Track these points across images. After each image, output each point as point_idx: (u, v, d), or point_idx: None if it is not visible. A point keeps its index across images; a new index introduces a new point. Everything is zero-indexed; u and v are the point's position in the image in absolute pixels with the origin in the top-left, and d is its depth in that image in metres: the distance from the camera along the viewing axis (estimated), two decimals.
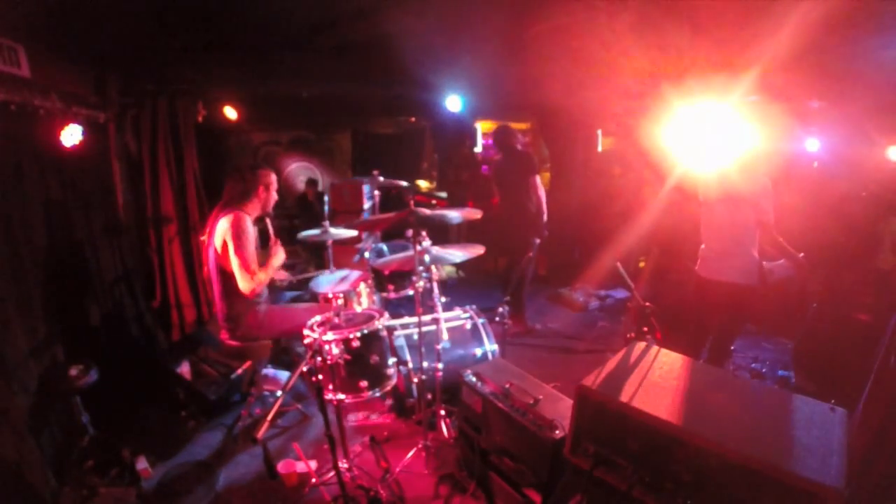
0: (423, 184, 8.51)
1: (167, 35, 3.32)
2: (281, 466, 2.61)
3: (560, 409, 2.12)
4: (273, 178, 3.01)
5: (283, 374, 3.61)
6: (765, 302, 4.06)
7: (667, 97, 3.60)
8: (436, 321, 3.06)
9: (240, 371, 3.45)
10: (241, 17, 3.20)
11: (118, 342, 3.43)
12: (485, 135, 8.26)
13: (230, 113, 4.82)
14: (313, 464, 2.68)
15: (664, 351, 2.08)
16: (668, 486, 1.60)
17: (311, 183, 7.84)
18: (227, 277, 2.82)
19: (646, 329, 2.46)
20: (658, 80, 3.62)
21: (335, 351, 2.36)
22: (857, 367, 2.73)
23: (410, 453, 2.71)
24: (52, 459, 2.46)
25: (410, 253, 2.70)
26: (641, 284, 4.28)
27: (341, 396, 2.42)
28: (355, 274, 3.48)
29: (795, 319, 3.85)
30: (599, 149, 7.09)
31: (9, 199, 2.60)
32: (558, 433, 1.99)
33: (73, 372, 2.60)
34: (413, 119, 8.18)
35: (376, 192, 4.98)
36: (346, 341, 2.41)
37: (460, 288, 5.93)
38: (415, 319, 2.87)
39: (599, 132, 7.00)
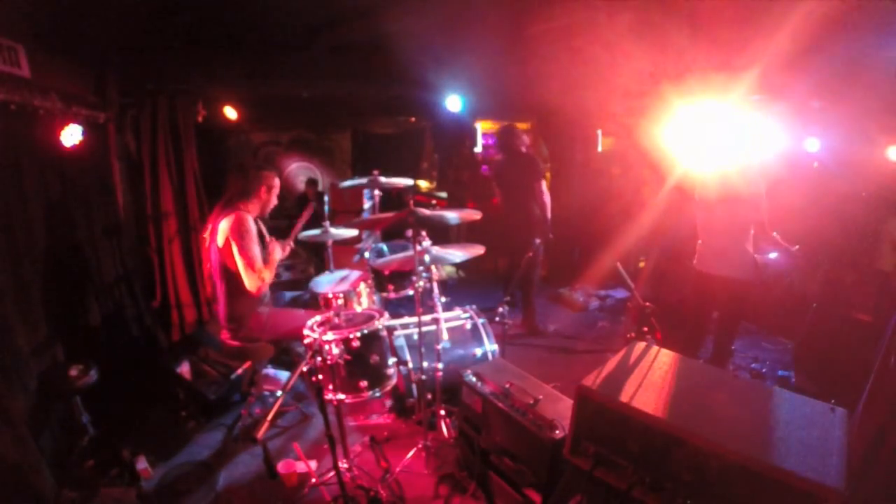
0: (423, 184, 8.51)
1: (167, 35, 3.32)
2: (281, 466, 2.61)
3: (560, 409, 2.12)
4: (276, 181, 3.01)
5: (283, 374, 3.61)
6: (763, 299, 4.08)
7: (667, 97, 3.60)
8: (436, 321, 3.06)
9: (240, 371, 3.44)
10: (242, 17, 3.20)
11: (118, 342, 3.43)
12: (485, 135, 8.25)
13: (230, 113, 4.82)
14: (313, 464, 2.68)
15: (664, 351, 2.08)
16: (668, 486, 1.60)
17: (311, 183, 7.84)
18: (231, 277, 2.81)
19: (646, 329, 2.46)
20: (658, 80, 3.62)
21: (335, 351, 2.36)
22: (857, 367, 2.73)
23: (410, 453, 2.71)
24: (52, 459, 2.46)
25: (410, 253, 2.70)
26: (641, 284, 4.29)
27: (341, 396, 2.42)
28: (355, 274, 3.48)
29: (795, 319, 3.85)
30: (599, 149, 7.09)
31: (9, 199, 2.60)
32: (558, 433, 1.99)
33: (73, 372, 2.60)
34: (413, 119, 8.17)
35: (376, 192, 4.98)
36: (346, 341, 2.41)
37: (460, 288, 5.92)
38: (415, 319, 2.87)
39: (599, 132, 7.00)
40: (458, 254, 2.87)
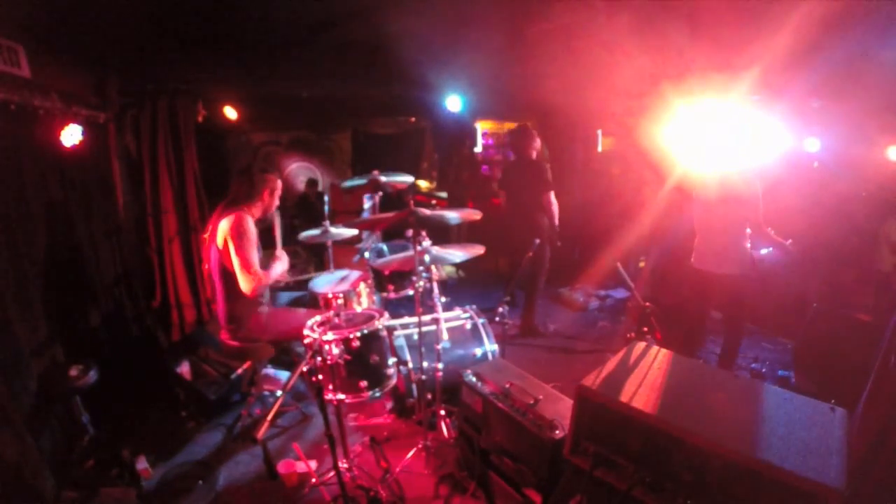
0: (423, 184, 8.51)
1: (167, 35, 3.32)
2: (281, 466, 2.61)
3: (560, 409, 2.12)
4: (279, 184, 3.02)
5: (283, 374, 3.61)
6: (763, 298, 4.09)
7: (667, 97, 3.60)
8: (436, 321, 3.06)
9: (240, 371, 3.45)
10: (241, 16, 3.19)
11: (118, 342, 3.43)
12: (485, 135, 8.25)
13: (230, 113, 4.82)
14: (313, 464, 2.68)
15: (664, 351, 2.08)
16: (669, 486, 1.60)
17: (311, 183, 7.84)
18: (229, 277, 2.81)
19: (646, 329, 2.46)
20: (658, 80, 3.62)
21: (335, 351, 2.36)
22: (857, 367, 2.73)
23: (410, 453, 2.71)
24: (52, 459, 2.46)
25: (410, 253, 2.70)
26: (641, 284, 4.29)
27: (341, 396, 2.42)
28: (355, 274, 3.48)
29: (795, 319, 3.85)
30: (599, 149, 7.09)
31: (9, 199, 2.60)
32: (558, 433, 1.99)
33: (73, 372, 2.60)
34: (413, 119, 8.17)
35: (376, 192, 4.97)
36: (346, 341, 2.41)
37: (460, 288, 5.92)
38: (415, 319, 2.87)
39: (599, 132, 7.00)
40: (458, 254, 2.87)
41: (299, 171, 8.40)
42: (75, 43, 2.99)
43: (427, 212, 2.64)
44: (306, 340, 2.41)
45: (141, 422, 3.15)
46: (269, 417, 3.01)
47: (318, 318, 2.56)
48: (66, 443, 2.66)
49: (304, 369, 2.17)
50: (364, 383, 2.46)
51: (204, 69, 4.01)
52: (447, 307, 3.40)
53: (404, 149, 8.45)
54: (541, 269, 4.45)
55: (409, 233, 2.64)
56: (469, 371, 2.52)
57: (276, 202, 3.05)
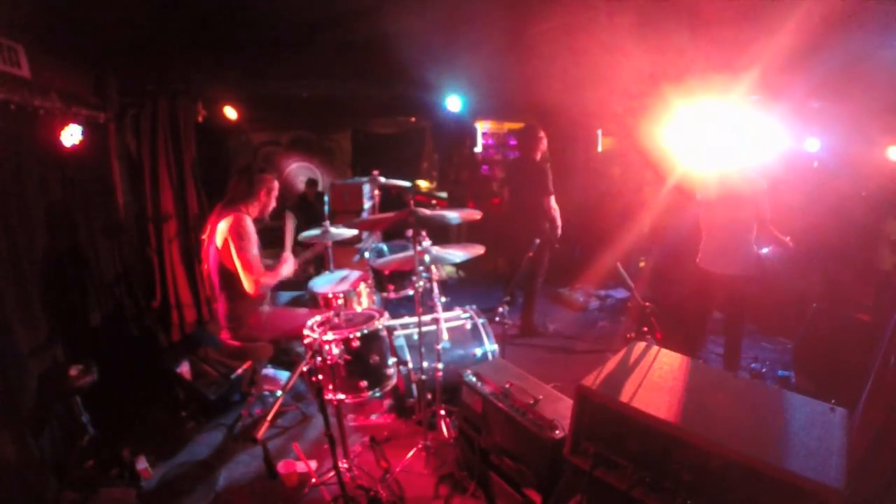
0: (423, 184, 8.51)
1: (167, 35, 3.32)
2: (281, 466, 2.61)
3: (560, 409, 2.12)
4: (276, 184, 3.03)
5: (283, 374, 3.61)
6: (764, 298, 4.09)
7: (667, 97, 3.60)
8: (436, 321, 3.06)
9: (240, 371, 3.44)
10: (242, 17, 3.19)
11: (118, 342, 3.43)
12: (485, 135, 8.25)
13: (230, 113, 4.82)
14: (313, 464, 2.68)
15: (664, 351, 2.08)
16: (668, 486, 1.60)
17: (311, 183, 7.83)
18: (230, 277, 2.81)
19: (646, 329, 2.46)
20: (658, 80, 3.62)
21: (335, 351, 2.36)
22: (857, 367, 2.73)
23: (410, 453, 2.71)
24: (52, 459, 2.46)
25: (410, 253, 2.70)
26: (641, 284, 4.28)
27: (341, 396, 2.42)
28: (355, 274, 3.48)
29: (795, 319, 3.85)
30: (599, 149, 7.09)
31: (9, 199, 2.60)
32: (558, 433, 1.99)
33: (73, 372, 2.60)
34: (413, 119, 8.17)
35: (376, 192, 4.97)
36: (346, 341, 2.41)
37: (460, 288, 5.92)
38: (415, 319, 2.87)
39: (599, 132, 7.00)
40: (458, 254, 2.87)
41: (299, 171, 8.40)
42: (75, 43, 2.99)
43: (427, 212, 2.64)
44: (306, 340, 2.41)
45: (141, 422, 3.14)
46: (269, 417, 3.01)
47: (318, 317, 2.56)
48: (66, 443, 2.66)
49: (304, 369, 2.17)
50: (364, 383, 2.46)
51: (204, 69, 4.01)
52: (447, 307, 3.40)
53: (404, 149, 8.46)
54: (539, 269, 4.46)
55: (409, 233, 2.64)
56: (469, 371, 2.52)
57: (274, 202, 3.05)
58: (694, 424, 1.57)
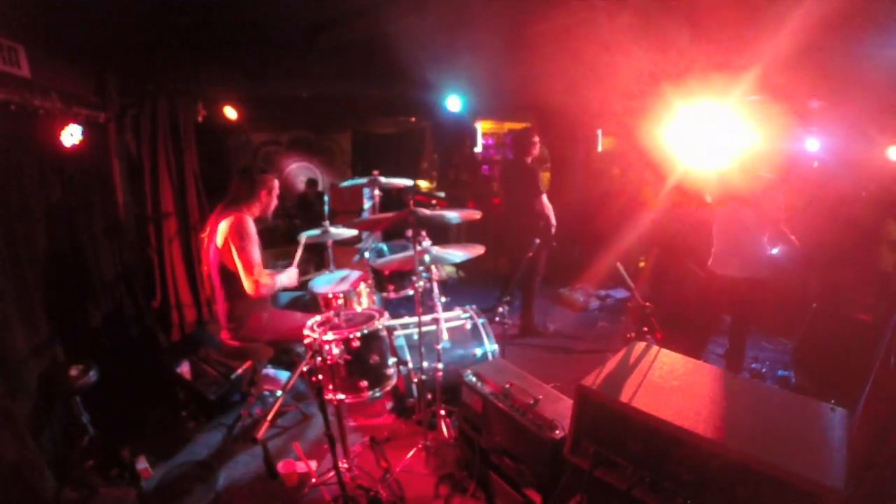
0: (423, 184, 8.51)
1: (167, 35, 3.32)
2: (281, 466, 2.61)
3: (560, 409, 2.12)
4: (276, 184, 3.04)
5: (283, 374, 3.61)
6: (767, 300, 4.08)
7: (667, 97, 3.59)
8: (436, 321, 3.06)
9: (240, 371, 3.45)
10: (242, 17, 3.20)
11: (118, 342, 3.43)
12: (485, 135, 8.25)
13: (230, 113, 4.82)
14: (313, 464, 2.68)
15: (664, 351, 2.08)
16: (669, 486, 1.60)
17: (311, 183, 7.84)
18: (230, 277, 2.82)
19: (646, 329, 2.46)
20: (658, 80, 3.62)
21: (335, 351, 2.36)
22: (857, 367, 2.72)
23: (410, 453, 2.71)
24: (52, 459, 2.46)
25: (410, 253, 2.70)
26: (641, 284, 4.29)
27: (341, 396, 2.42)
28: (355, 274, 3.48)
29: (795, 319, 3.85)
30: (599, 149, 7.09)
31: (9, 199, 2.60)
32: (558, 433, 1.99)
33: (73, 372, 2.60)
34: (413, 119, 8.18)
35: (376, 192, 4.98)
36: (346, 341, 2.41)
37: (460, 288, 5.92)
38: (415, 319, 2.87)
39: (599, 132, 7.00)
40: (458, 254, 2.87)
41: (299, 171, 8.40)
42: (75, 43, 2.99)
43: (427, 212, 2.64)
44: (306, 340, 2.41)
45: (141, 422, 3.14)
46: (269, 417, 3.05)
47: (318, 318, 2.56)
48: (66, 443, 2.66)
49: (304, 369, 2.17)
50: (364, 383, 2.46)
51: (204, 69, 4.01)
52: (447, 307, 3.40)
53: (404, 149, 8.46)
54: (537, 268, 4.47)
55: (409, 233, 2.63)
56: (469, 371, 2.52)
57: (275, 201, 3.06)
58: (694, 424, 1.56)
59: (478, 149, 8.11)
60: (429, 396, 2.91)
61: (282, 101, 6.15)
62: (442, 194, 7.74)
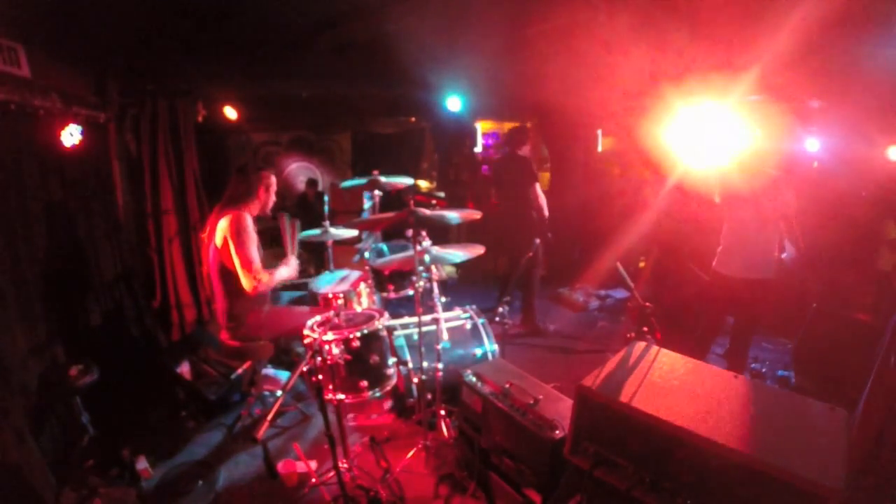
0: (423, 184, 8.51)
1: (167, 35, 3.32)
2: (281, 466, 2.62)
3: (560, 409, 2.12)
4: (273, 180, 3.04)
5: (283, 374, 3.61)
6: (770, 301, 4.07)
7: (667, 97, 3.59)
8: (436, 321, 3.06)
9: (240, 371, 3.45)
10: (242, 17, 3.19)
11: (118, 342, 3.43)
12: (485, 135, 8.25)
13: (230, 113, 4.83)
14: (313, 464, 2.68)
15: (664, 351, 2.08)
16: (669, 487, 1.60)
17: (311, 183, 7.84)
18: (229, 276, 2.82)
19: (646, 329, 2.46)
20: (658, 80, 3.62)
21: (335, 351, 2.36)
22: (857, 367, 2.73)
23: (410, 453, 2.71)
24: (52, 459, 2.46)
25: (410, 253, 2.70)
26: (641, 284, 4.28)
27: (341, 396, 2.42)
28: (355, 274, 3.48)
29: (795, 319, 3.85)
30: (599, 149, 7.09)
31: (9, 199, 2.60)
32: (558, 433, 1.99)
33: (73, 372, 2.60)
34: (413, 119, 8.18)
35: (376, 192, 4.98)
36: (346, 341, 2.41)
37: (460, 288, 5.92)
38: (415, 319, 2.87)
39: (599, 132, 7.00)
40: (458, 254, 2.87)
41: (299, 171, 8.41)
42: (75, 43, 2.99)
43: (427, 212, 2.64)
44: (306, 340, 2.41)
45: (141, 422, 3.14)
46: (269, 417, 3.05)
47: (318, 317, 2.56)
48: (66, 443, 2.66)
49: (304, 369, 2.17)
50: (364, 383, 2.46)
51: (204, 69, 4.01)
52: (447, 307, 3.41)
53: (404, 149, 8.46)
54: (536, 265, 4.49)
55: (409, 233, 2.64)
56: (469, 371, 2.52)
57: (273, 198, 3.05)
58: (694, 424, 1.56)
59: (478, 149, 8.11)
60: (429, 396, 2.91)
61: (282, 101, 6.15)
62: (442, 194, 7.74)
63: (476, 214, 2.84)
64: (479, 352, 3.24)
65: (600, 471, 1.75)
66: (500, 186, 4.73)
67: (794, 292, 4.19)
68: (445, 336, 3.10)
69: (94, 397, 2.76)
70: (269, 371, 3.61)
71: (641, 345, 2.13)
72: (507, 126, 8.07)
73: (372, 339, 2.51)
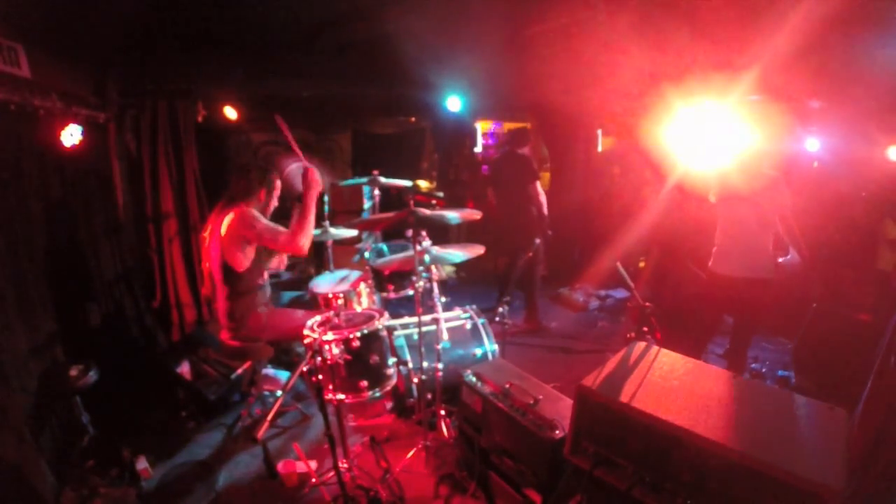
0: (423, 184, 8.51)
1: (167, 35, 3.32)
2: (281, 466, 2.61)
3: (560, 409, 2.12)
4: (278, 183, 3.02)
5: (283, 374, 3.61)
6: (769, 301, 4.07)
7: (667, 97, 3.59)
8: (436, 321, 3.06)
9: (240, 371, 3.45)
10: (242, 17, 3.20)
11: (118, 342, 3.43)
12: (485, 135, 8.25)
13: (230, 113, 4.82)
14: (313, 464, 2.68)
15: (664, 351, 2.08)
16: (669, 486, 1.60)
17: None
18: (231, 276, 2.81)
19: (646, 329, 2.46)
20: (658, 80, 3.62)
21: (335, 351, 2.36)
22: (857, 367, 2.73)
23: (410, 453, 2.71)
24: (52, 459, 2.46)
25: (410, 253, 2.70)
26: (641, 284, 4.28)
27: (341, 396, 2.42)
28: (355, 274, 3.48)
29: (795, 319, 3.85)
30: (599, 149, 7.09)
31: (9, 198, 2.60)
32: (558, 433, 1.99)
33: (73, 372, 2.60)
34: (413, 119, 8.17)
35: (376, 192, 4.98)
36: (346, 341, 2.41)
37: (460, 288, 5.92)
38: (415, 319, 2.87)
39: (599, 132, 7.00)
40: (458, 254, 2.87)
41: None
42: (75, 43, 2.99)
43: (427, 212, 2.64)
44: (306, 340, 2.41)
45: (141, 422, 3.14)
46: (269, 417, 3.05)
47: (318, 318, 2.56)
48: (66, 443, 2.66)
49: (304, 369, 2.17)
50: (364, 383, 2.46)
51: (204, 69, 4.01)
52: (447, 307, 3.40)
53: (404, 149, 8.45)
54: (537, 264, 4.49)
55: (409, 233, 2.64)
56: (469, 371, 2.52)
57: (275, 201, 3.05)
58: (694, 424, 1.56)
59: (478, 149, 8.11)
60: (429, 396, 2.92)
61: (282, 101, 6.14)
62: (442, 194, 7.74)
63: (476, 214, 2.84)
64: (479, 352, 3.24)
65: (600, 471, 1.75)
66: (497, 185, 4.73)
67: (794, 292, 4.19)
68: (445, 336, 3.10)
69: (94, 397, 2.76)
70: (269, 371, 3.61)
71: (641, 345, 2.13)
72: (508, 126, 8.10)
73: (372, 339, 2.51)
